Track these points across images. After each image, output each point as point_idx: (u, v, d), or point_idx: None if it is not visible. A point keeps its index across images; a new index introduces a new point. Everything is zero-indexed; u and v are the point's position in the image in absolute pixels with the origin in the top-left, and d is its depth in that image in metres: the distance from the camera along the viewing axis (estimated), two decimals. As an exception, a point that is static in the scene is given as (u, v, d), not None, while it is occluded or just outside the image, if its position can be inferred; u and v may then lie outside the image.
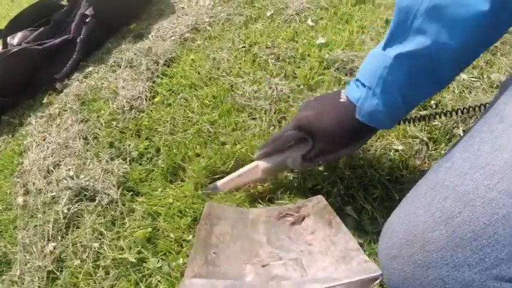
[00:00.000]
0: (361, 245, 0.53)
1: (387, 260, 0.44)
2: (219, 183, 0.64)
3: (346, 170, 0.61)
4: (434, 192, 0.41)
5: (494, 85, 0.77)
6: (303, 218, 0.50)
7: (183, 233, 0.60)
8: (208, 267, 0.40)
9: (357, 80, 0.50)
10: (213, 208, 0.50)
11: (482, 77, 0.80)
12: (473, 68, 0.83)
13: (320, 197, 0.50)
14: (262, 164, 0.59)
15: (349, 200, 0.58)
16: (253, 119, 0.77)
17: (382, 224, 0.47)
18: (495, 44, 0.89)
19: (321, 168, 0.63)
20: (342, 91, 0.53)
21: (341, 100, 0.51)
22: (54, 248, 0.66)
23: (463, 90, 0.77)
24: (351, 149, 0.53)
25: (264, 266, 0.42)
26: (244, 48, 1.00)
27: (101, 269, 0.60)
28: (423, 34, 0.42)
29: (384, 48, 0.47)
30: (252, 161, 0.62)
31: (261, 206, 0.60)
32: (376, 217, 0.55)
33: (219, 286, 0.37)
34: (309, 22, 1.06)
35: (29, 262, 0.66)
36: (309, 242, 0.45)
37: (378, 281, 0.38)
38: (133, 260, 0.59)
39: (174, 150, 0.74)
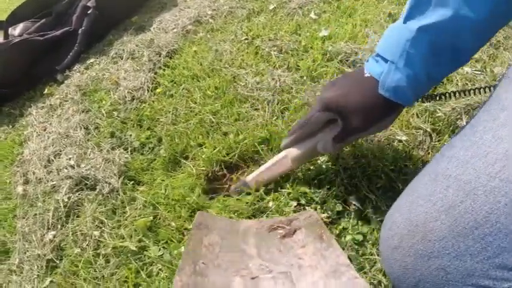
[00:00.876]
0: (364, 235, 0.53)
1: (388, 251, 0.44)
2: (248, 178, 0.61)
3: (350, 160, 0.61)
4: (435, 182, 0.40)
5: (497, 78, 0.76)
6: (294, 231, 0.49)
7: (185, 221, 0.60)
8: (196, 277, 0.39)
9: (377, 55, 0.49)
10: (203, 218, 0.49)
11: (486, 71, 0.79)
12: (476, 61, 0.83)
13: (312, 211, 0.50)
14: (291, 153, 0.56)
15: (352, 190, 0.57)
16: (256, 109, 0.76)
17: (385, 213, 0.47)
18: (498, 39, 0.89)
19: (323, 158, 0.62)
20: (364, 68, 0.51)
21: (366, 75, 0.49)
22: (54, 237, 0.66)
23: (467, 83, 0.76)
24: (380, 126, 0.51)
25: (253, 278, 0.41)
26: (246, 41, 0.99)
27: (101, 257, 0.60)
28: (445, 5, 0.41)
29: (405, 22, 0.45)
30: (256, 154, 0.60)
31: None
32: (379, 206, 0.54)
33: (207, 297, 0.36)
34: (312, 15, 1.06)
35: (28, 251, 0.65)
36: (299, 256, 0.45)
37: None
38: (134, 248, 0.58)
39: (176, 140, 0.73)
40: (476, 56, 0.84)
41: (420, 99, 0.55)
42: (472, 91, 0.55)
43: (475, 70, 0.80)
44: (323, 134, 0.54)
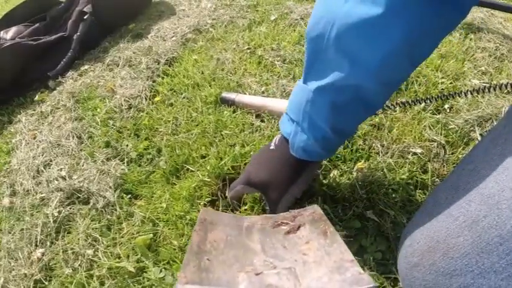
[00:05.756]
0: (383, 253, 0.49)
1: (407, 269, 0.41)
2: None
3: (365, 174, 0.57)
4: (456, 196, 0.38)
5: (505, 91, 0.75)
6: (298, 227, 0.48)
7: (188, 240, 0.55)
8: (201, 273, 0.39)
9: (287, 113, 0.49)
10: (208, 214, 0.48)
11: (493, 83, 0.78)
12: (483, 73, 0.82)
13: (316, 206, 0.49)
14: None
15: (369, 205, 0.54)
16: (262, 121, 0.73)
17: (404, 228, 0.44)
18: (502, 52, 0.89)
19: (337, 171, 0.59)
20: (272, 141, 0.54)
21: (271, 148, 0.52)
22: (43, 255, 0.60)
23: (476, 95, 0.75)
24: (299, 185, 0.53)
25: (257, 274, 0.41)
26: (249, 50, 0.97)
27: (95, 278, 0.54)
28: (339, 64, 0.39)
29: (305, 81, 0.45)
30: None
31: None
32: (398, 222, 0.51)
33: (212, 293, 0.36)
34: (315, 26, 1.04)
35: (14, 269, 0.60)
36: (304, 252, 0.44)
37: None
38: (132, 270, 0.53)
39: (177, 151, 0.69)
40: (482, 68, 0.83)
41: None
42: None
43: (483, 82, 0.79)
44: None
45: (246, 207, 0.57)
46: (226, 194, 0.59)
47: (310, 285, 0.39)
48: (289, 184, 0.52)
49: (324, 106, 0.43)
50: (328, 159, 0.62)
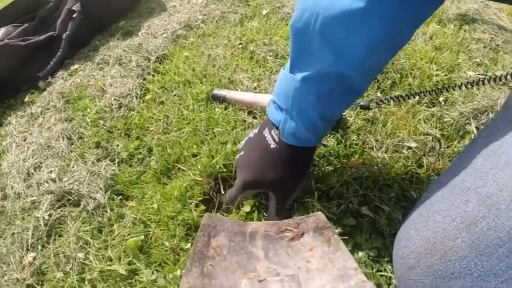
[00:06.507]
0: (378, 250, 0.48)
1: (403, 271, 0.41)
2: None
3: (360, 170, 0.57)
4: (453, 196, 0.37)
5: (500, 82, 0.74)
6: (302, 234, 0.48)
7: (180, 240, 0.54)
8: (204, 279, 0.39)
9: (274, 101, 0.50)
10: (211, 219, 0.47)
11: (488, 74, 0.77)
12: (478, 65, 0.81)
13: (319, 213, 0.49)
14: None
15: (364, 201, 0.53)
16: (254, 117, 0.71)
17: (400, 225, 0.43)
18: (497, 43, 0.88)
19: (331, 168, 0.58)
20: (265, 133, 0.53)
21: (272, 146, 0.52)
22: (34, 259, 0.59)
23: (471, 87, 0.74)
24: (303, 184, 0.53)
25: (260, 281, 0.41)
26: (240, 46, 0.95)
27: (86, 282, 0.53)
28: (323, 54, 0.41)
29: (291, 71, 0.46)
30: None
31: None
32: (393, 218, 0.50)
33: (215, 299, 0.36)
34: (307, 20, 1.03)
35: (5, 274, 0.59)
36: (307, 259, 0.44)
37: None
38: (124, 272, 0.52)
39: (168, 150, 0.68)
40: (477, 59, 0.82)
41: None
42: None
43: (478, 74, 0.78)
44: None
45: (248, 210, 0.56)
46: (225, 203, 0.56)
47: None
48: (297, 183, 0.52)
49: (311, 95, 0.44)
50: (322, 155, 0.61)
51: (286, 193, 0.52)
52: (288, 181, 0.52)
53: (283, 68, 0.49)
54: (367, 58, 0.39)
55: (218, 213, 0.57)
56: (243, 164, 0.55)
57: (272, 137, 0.52)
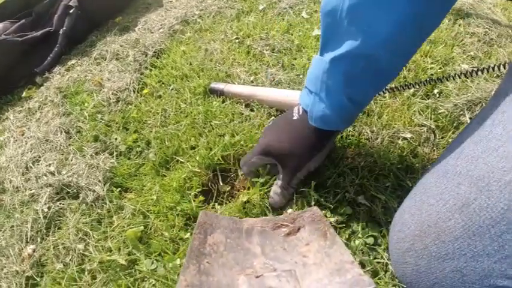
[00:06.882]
0: (375, 238, 0.49)
1: (399, 254, 0.42)
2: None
3: (356, 160, 0.57)
4: (446, 180, 0.38)
5: (494, 75, 0.75)
6: (298, 229, 0.48)
7: (179, 231, 0.55)
8: (201, 276, 0.39)
9: (306, 87, 0.51)
10: (207, 217, 0.48)
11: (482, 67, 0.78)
12: (472, 58, 0.82)
13: (315, 208, 0.49)
14: None
15: (360, 191, 0.54)
16: (251, 110, 0.72)
17: (395, 213, 0.44)
18: (491, 37, 0.89)
19: (327, 161, 0.59)
20: (294, 109, 0.54)
21: (294, 118, 0.53)
22: (34, 251, 0.60)
23: (465, 80, 0.75)
24: (316, 159, 0.53)
25: (257, 277, 0.41)
26: (237, 40, 0.96)
27: (86, 273, 0.54)
28: (352, 34, 0.41)
29: (321, 54, 0.47)
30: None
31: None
32: (389, 207, 0.51)
33: (212, 296, 0.36)
34: (304, 15, 1.03)
35: (5, 267, 0.59)
36: (304, 254, 0.44)
37: None
38: (123, 262, 0.53)
39: (167, 143, 0.68)
40: (471, 53, 0.83)
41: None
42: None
43: (473, 67, 0.79)
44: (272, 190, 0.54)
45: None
46: (240, 170, 0.58)
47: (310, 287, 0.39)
48: (310, 157, 0.52)
49: (339, 75, 0.44)
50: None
51: (293, 168, 0.52)
52: (297, 156, 0.52)
53: (314, 55, 0.50)
54: (395, 35, 0.40)
55: (217, 203, 0.57)
56: (265, 130, 0.57)
57: (297, 110, 0.53)
